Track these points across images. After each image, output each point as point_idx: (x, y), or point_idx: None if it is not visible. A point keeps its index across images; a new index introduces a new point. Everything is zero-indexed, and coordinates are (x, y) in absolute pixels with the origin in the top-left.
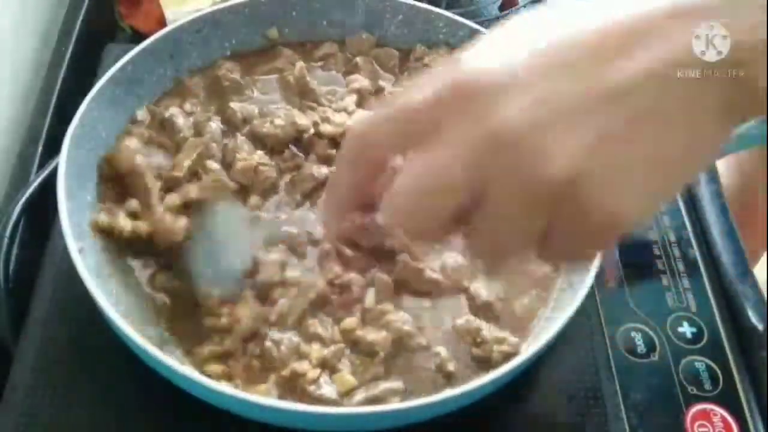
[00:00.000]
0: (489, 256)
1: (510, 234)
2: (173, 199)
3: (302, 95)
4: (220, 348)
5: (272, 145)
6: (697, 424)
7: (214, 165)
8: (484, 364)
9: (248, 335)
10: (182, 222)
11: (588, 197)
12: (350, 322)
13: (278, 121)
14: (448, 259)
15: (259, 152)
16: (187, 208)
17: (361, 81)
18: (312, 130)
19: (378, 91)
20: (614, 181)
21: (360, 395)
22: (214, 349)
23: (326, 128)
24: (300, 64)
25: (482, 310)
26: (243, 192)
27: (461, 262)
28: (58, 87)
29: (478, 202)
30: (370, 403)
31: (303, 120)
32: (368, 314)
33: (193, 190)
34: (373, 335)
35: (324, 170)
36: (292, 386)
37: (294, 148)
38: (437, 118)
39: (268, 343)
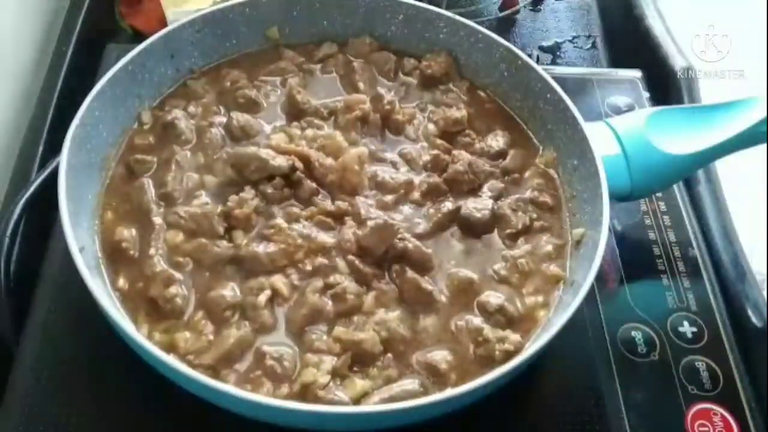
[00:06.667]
0: None
1: None
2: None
3: (293, 117)
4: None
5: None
6: (697, 423)
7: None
8: (486, 363)
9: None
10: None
11: None
12: (340, 330)
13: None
14: (458, 273)
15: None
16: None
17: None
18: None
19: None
20: None
21: (375, 398)
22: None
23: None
24: (292, 81)
25: (494, 315)
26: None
27: (470, 275)
28: (58, 87)
29: None
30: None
31: (283, 162)
32: (367, 318)
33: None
34: (368, 336)
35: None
36: (304, 394)
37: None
38: None
39: (270, 362)
